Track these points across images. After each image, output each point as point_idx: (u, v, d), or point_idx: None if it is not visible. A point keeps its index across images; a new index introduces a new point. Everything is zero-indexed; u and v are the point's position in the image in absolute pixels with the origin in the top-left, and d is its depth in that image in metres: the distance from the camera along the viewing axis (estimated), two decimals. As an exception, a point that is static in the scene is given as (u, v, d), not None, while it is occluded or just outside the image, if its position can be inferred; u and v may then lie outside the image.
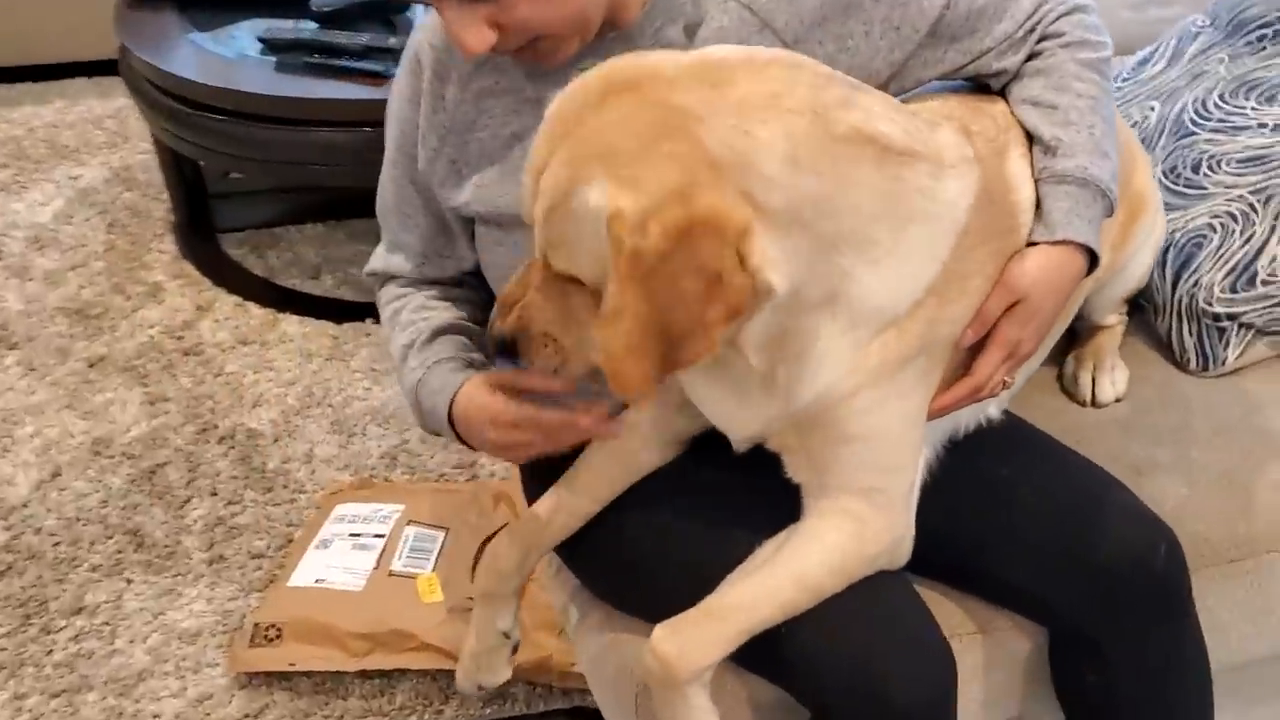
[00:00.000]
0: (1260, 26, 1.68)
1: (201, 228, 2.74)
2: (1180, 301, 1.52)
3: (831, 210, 1.00)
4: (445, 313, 1.32)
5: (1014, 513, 1.20)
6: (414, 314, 1.32)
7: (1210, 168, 1.58)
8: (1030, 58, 1.22)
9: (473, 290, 1.36)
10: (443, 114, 1.24)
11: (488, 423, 1.20)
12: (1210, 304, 1.49)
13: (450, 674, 1.54)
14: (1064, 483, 1.22)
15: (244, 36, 2.47)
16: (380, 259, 1.36)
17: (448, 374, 1.25)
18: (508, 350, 1.07)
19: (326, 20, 2.44)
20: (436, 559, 1.84)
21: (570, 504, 1.24)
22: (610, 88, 0.97)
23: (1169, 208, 1.54)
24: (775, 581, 1.09)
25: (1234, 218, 1.53)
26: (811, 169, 0.98)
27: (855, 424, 1.08)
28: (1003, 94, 1.23)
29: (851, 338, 1.05)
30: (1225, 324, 1.50)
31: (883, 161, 1.03)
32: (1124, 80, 1.80)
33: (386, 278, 1.36)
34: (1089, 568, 1.16)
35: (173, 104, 2.36)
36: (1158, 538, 1.18)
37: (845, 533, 1.10)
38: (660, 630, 1.09)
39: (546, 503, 1.25)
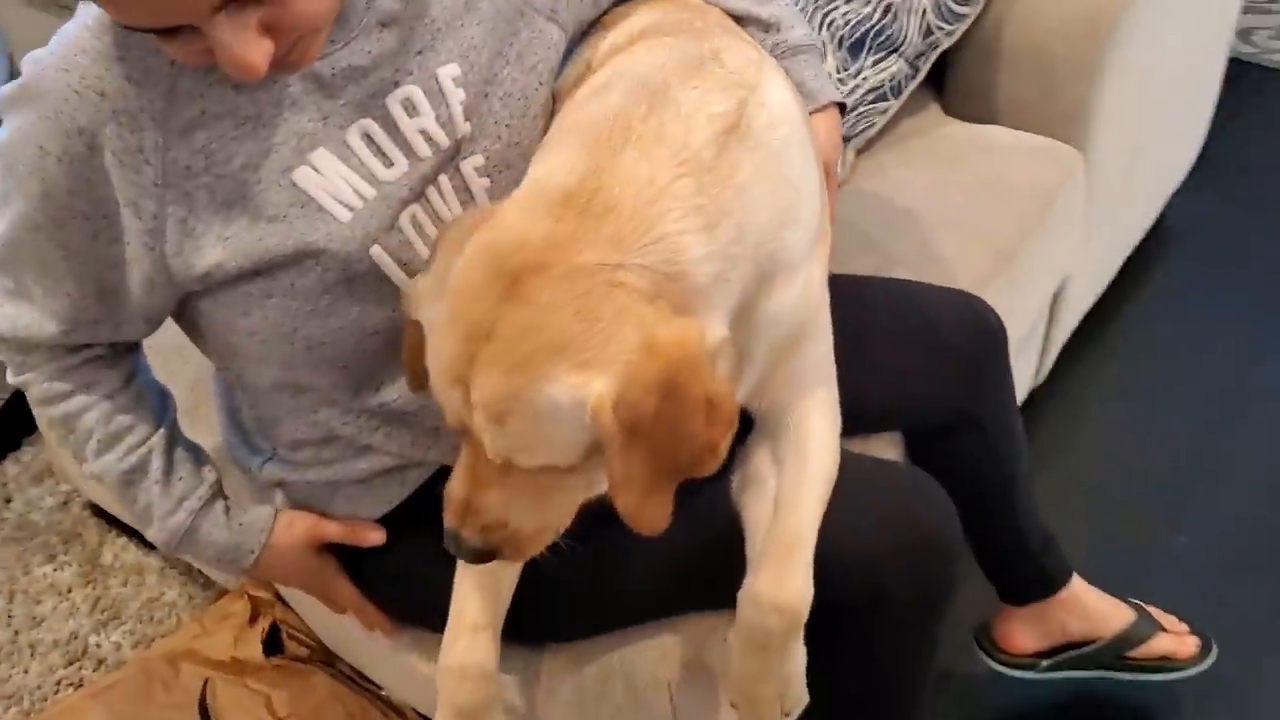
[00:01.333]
0: None
1: None
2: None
3: (748, 227, 0.98)
4: (142, 419, 1.19)
5: (873, 349, 1.32)
6: (113, 425, 1.18)
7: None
8: None
9: (116, 356, 1.20)
10: (149, 170, 1.02)
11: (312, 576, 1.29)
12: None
13: None
14: (896, 305, 1.39)
15: None
16: (4, 319, 1.14)
17: (236, 514, 1.24)
18: (484, 558, 1.00)
19: None
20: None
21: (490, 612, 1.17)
22: (507, 275, 0.89)
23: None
24: (810, 488, 1.11)
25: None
26: (720, 212, 0.95)
27: (810, 330, 1.12)
28: None
29: (797, 285, 1.05)
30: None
31: (745, 143, 0.99)
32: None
33: (22, 347, 1.16)
34: (946, 351, 1.37)
35: None
36: (973, 304, 1.42)
37: (827, 417, 1.14)
38: (762, 583, 1.07)
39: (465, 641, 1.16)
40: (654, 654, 1.22)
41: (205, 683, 1.64)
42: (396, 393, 1.16)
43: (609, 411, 0.87)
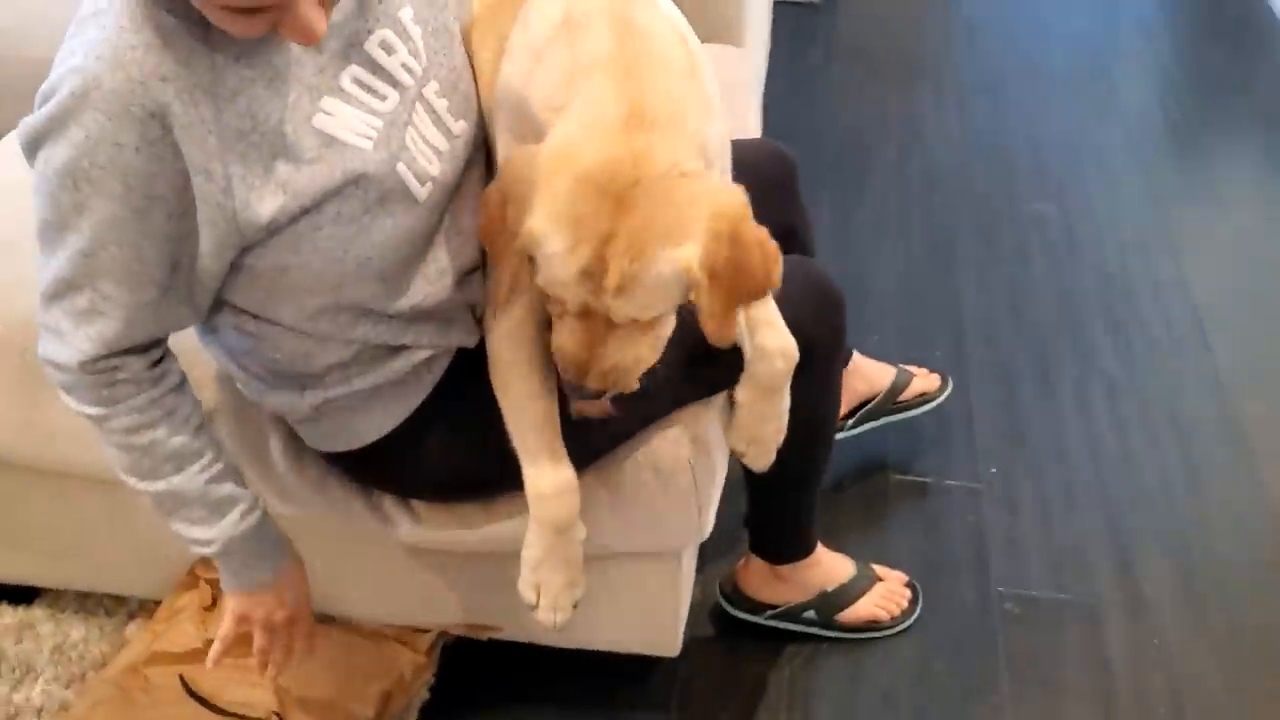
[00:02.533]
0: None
1: None
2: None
3: (717, 112, 1.35)
4: (212, 438, 1.38)
5: None
6: (196, 444, 1.34)
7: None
8: None
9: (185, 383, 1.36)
10: (211, 137, 1.17)
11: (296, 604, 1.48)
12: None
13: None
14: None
15: None
16: (88, 341, 1.24)
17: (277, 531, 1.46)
18: (598, 396, 1.32)
19: None
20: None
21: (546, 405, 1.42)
22: (613, 195, 1.19)
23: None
24: None
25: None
26: (708, 105, 1.32)
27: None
28: None
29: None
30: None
31: (696, 53, 1.36)
32: None
33: (108, 372, 1.26)
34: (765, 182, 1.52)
35: None
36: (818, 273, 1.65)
37: None
38: (764, 338, 1.44)
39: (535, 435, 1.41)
40: (669, 442, 1.52)
41: (180, 677, 1.69)
42: (421, 293, 1.37)
43: (698, 268, 1.21)
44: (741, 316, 1.43)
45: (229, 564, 1.42)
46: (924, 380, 2.17)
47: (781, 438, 1.54)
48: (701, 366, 1.46)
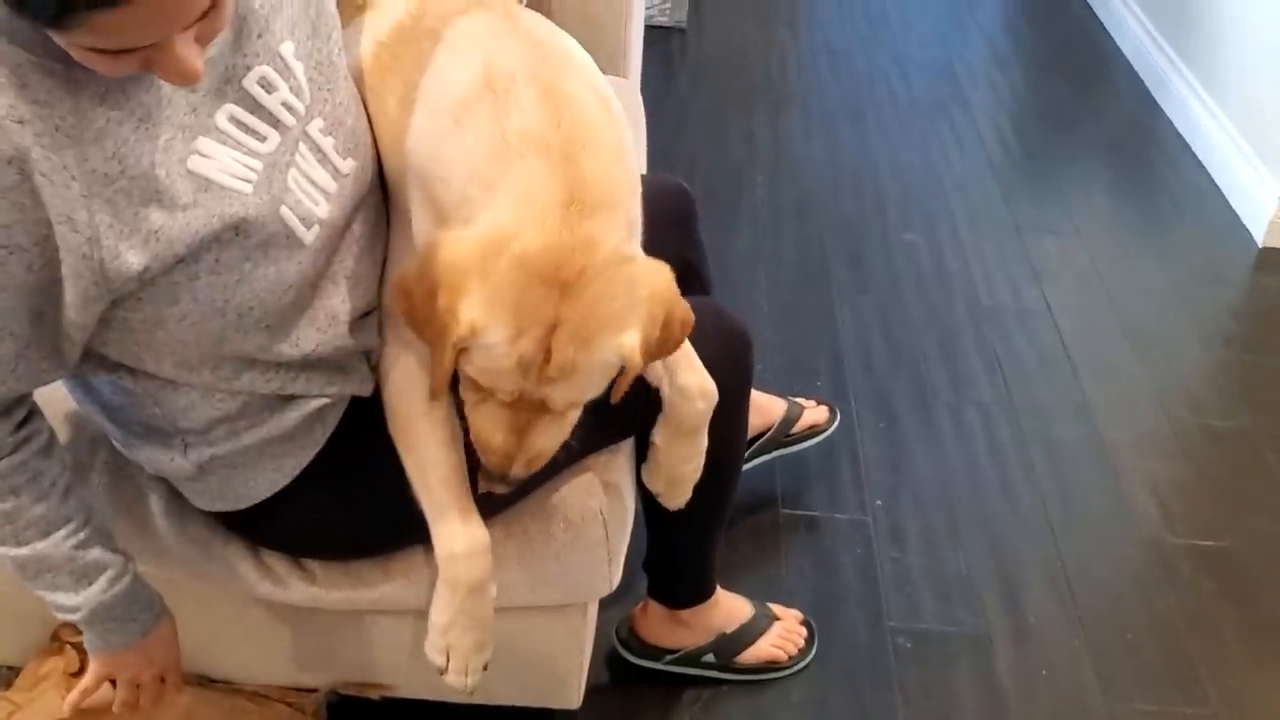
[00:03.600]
0: None
1: None
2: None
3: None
4: (81, 501, 1.30)
5: None
6: (65, 509, 1.27)
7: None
8: None
9: (52, 444, 1.28)
10: (75, 184, 1.07)
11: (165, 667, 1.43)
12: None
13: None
14: None
15: None
16: None
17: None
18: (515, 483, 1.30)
19: None
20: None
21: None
22: (559, 284, 1.16)
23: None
24: None
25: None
26: (634, 181, 1.31)
27: None
28: None
29: None
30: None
31: (618, 118, 1.34)
32: None
33: None
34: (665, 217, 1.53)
35: None
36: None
37: None
38: (685, 379, 1.43)
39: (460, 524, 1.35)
40: (579, 491, 1.47)
41: None
42: (311, 341, 1.30)
43: (638, 353, 1.21)
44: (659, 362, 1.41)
45: (94, 629, 1.34)
46: (814, 412, 2.17)
47: (699, 475, 1.52)
48: (614, 414, 1.42)
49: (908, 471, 2.29)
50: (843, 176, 3.17)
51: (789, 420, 2.13)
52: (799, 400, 2.18)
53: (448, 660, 1.40)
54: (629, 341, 1.20)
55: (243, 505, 1.37)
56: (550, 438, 1.27)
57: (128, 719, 1.47)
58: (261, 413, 1.32)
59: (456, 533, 1.34)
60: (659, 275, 1.24)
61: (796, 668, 1.88)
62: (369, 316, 1.37)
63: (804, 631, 1.91)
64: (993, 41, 4.01)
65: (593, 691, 1.78)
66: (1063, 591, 2.06)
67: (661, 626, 1.83)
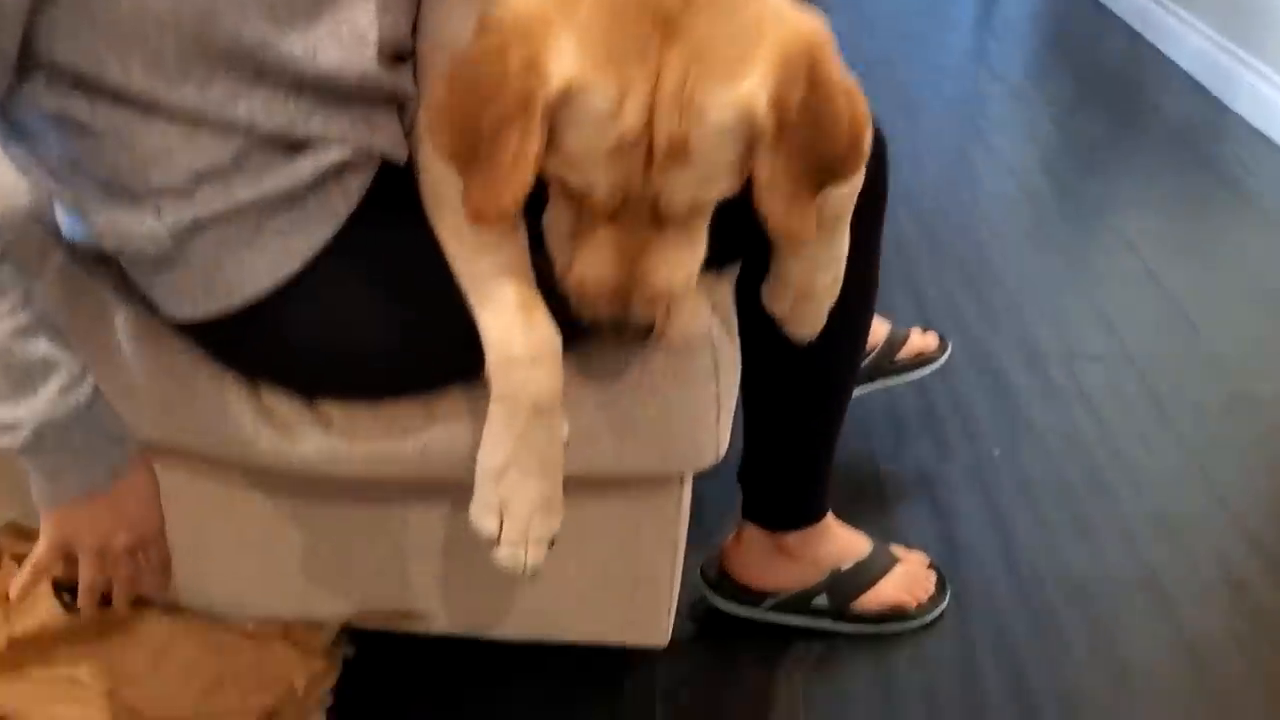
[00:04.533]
0: None
1: None
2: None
3: None
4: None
5: None
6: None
7: None
8: None
9: None
10: None
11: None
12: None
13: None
14: None
15: None
16: None
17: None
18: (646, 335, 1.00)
19: None
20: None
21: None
22: (660, 21, 0.87)
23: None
24: None
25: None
26: None
27: None
28: None
29: None
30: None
31: None
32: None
33: None
34: None
35: None
36: None
37: None
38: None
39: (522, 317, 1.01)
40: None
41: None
42: (333, 57, 0.99)
43: (764, 110, 0.89)
44: None
45: (43, 463, 1.00)
46: (921, 339, 1.82)
47: (836, 292, 1.18)
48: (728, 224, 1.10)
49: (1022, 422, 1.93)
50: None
51: (894, 342, 1.77)
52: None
53: (500, 524, 1.03)
54: (748, 91, 0.89)
55: (235, 302, 1.02)
56: (674, 264, 0.97)
57: (92, 621, 1.11)
58: (265, 164, 0.99)
59: (514, 327, 1.00)
60: (802, 18, 0.92)
61: (927, 618, 1.50)
62: (407, 62, 1.06)
63: (933, 576, 1.54)
64: (1010, 77, 3.77)
65: (675, 647, 1.40)
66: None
67: (761, 561, 1.45)
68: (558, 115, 0.88)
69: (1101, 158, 3.01)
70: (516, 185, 0.90)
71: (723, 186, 0.94)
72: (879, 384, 1.77)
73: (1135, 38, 3.93)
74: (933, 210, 2.61)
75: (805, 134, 0.92)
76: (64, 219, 1.07)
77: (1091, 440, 1.89)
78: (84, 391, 0.99)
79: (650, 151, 0.89)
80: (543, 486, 1.03)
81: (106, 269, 1.08)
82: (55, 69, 0.92)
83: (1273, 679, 1.44)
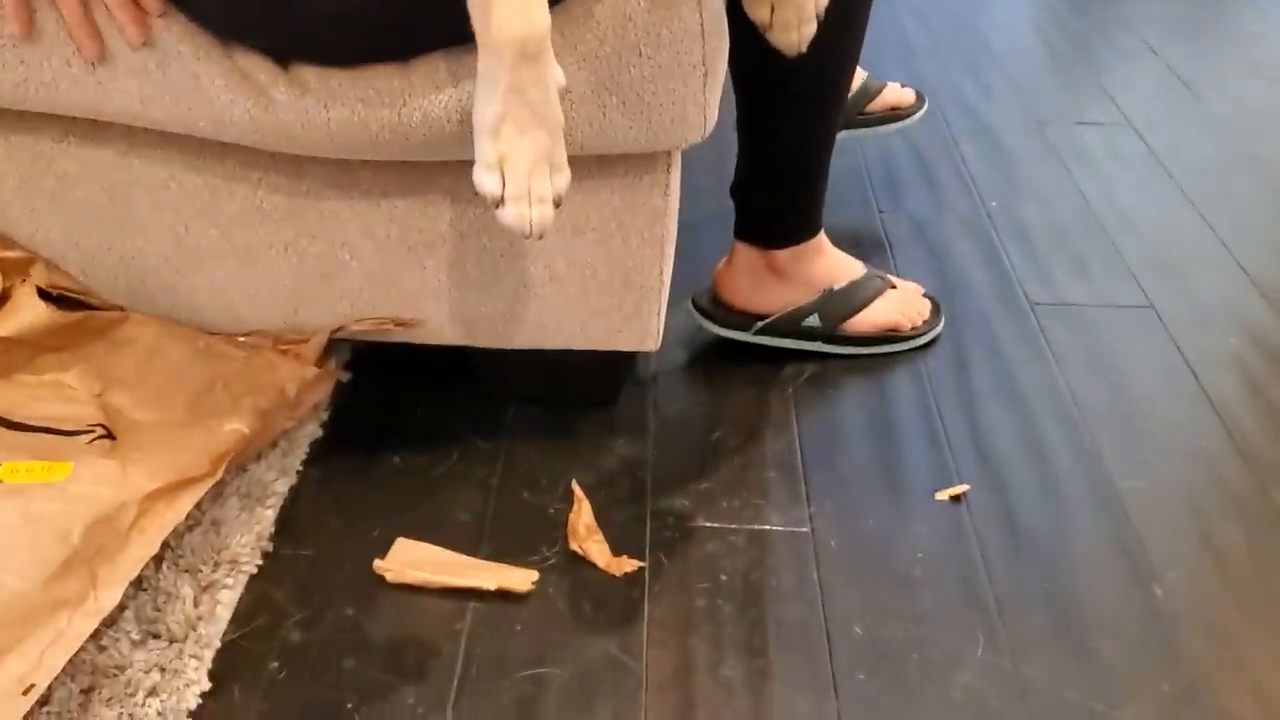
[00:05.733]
0: None
1: None
2: None
3: None
4: None
5: None
6: None
7: None
8: None
9: None
10: None
11: None
12: None
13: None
14: None
15: None
16: None
17: None
18: None
19: None
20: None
21: None
22: None
23: None
24: None
25: None
26: None
27: None
28: None
29: None
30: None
31: None
32: None
33: None
34: None
35: None
36: None
37: None
38: None
39: None
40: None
41: None
42: None
43: None
44: None
45: None
46: (897, 92, 1.78)
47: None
48: None
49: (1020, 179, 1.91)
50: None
51: (869, 90, 1.74)
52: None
53: (503, 180, 1.01)
54: None
55: None
56: None
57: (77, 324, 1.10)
58: None
59: None
60: None
61: (922, 339, 1.49)
62: None
63: (928, 303, 1.53)
64: None
65: (664, 372, 1.39)
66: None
67: (752, 282, 1.44)
68: None
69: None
70: None
71: None
72: (847, 133, 1.74)
73: None
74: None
75: None
76: None
77: (1091, 194, 1.86)
78: None
79: None
80: (540, 139, 1.00)
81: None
82: None
83: (1275, 406, 1.43)
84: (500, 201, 1.00)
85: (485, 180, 1.00)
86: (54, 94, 1.12)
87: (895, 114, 1.78)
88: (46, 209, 1.23)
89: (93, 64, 1.08)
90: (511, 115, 0.98)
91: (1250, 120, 2.10)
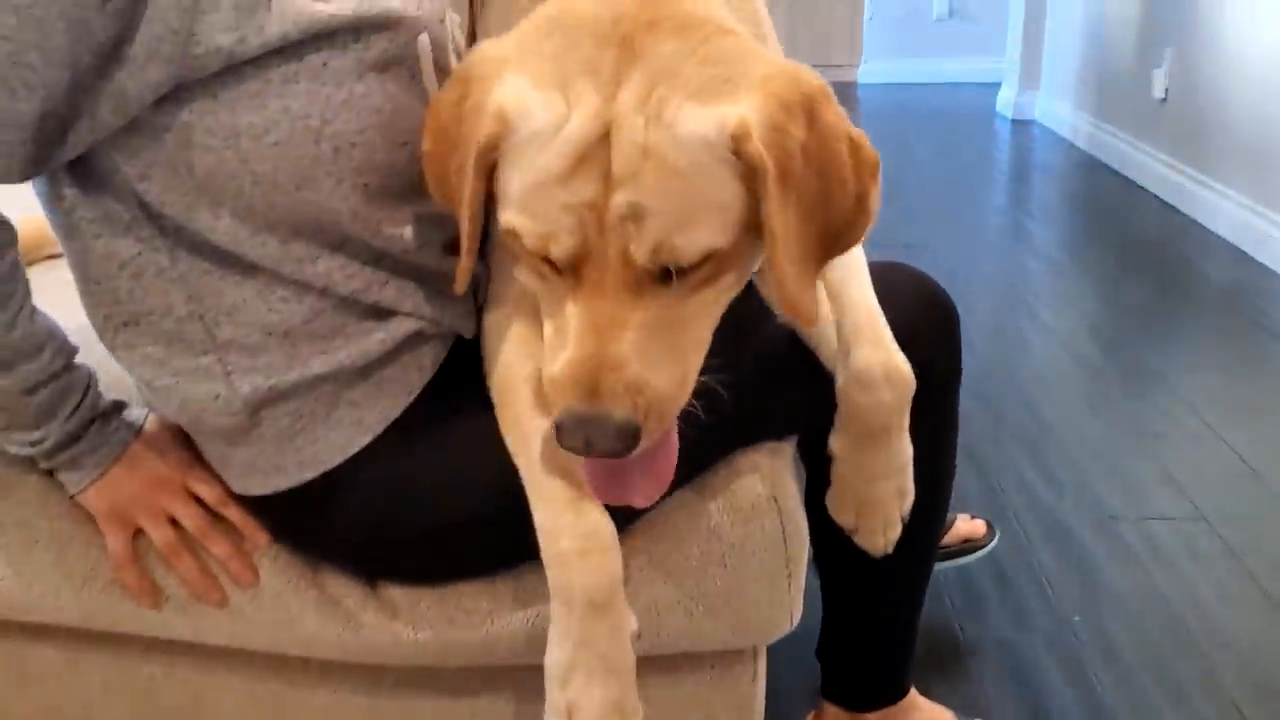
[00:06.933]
0: None
1: None
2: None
3: None
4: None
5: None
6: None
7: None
8: None
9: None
10: None
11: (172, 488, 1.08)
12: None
13: None
14: None
15: None
16: None
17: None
18: (628, 439, 0.84)
19: None
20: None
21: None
22: (617, 40, 0.84)
23: None
24: (859, 273, 1.11)
25: None
26: None
27: None
28: None
29: None
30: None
31: None
32: None
33: None
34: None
35: None
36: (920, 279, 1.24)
37: None
38: (865, 358, 1.06)
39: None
40: (740, 476, 1.12)
41: None
42: (416, 235, 1.02)
43: (757, 133, 0.82)
44: (829, 315, 1.07)
45: (62, 461, 1.04)
46: (968, 525, 1.79)
47: (908, 502, 1.14)
48: (768, 390, 1.11)
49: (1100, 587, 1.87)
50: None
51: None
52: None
53: None
54: (735, 112, 0.81)
55: (306, 475, 1.04)
56: (640, 353, 0.83)
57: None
58: (338, 329, 1.01)
59: (563, 518, 0.97)
60: (796, 66, 0.88)
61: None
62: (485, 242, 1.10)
63: None
64: (1049, 252, 3.80)
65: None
66: None
67: None
68: (504, 152, 0.85)
69: (1149, 324, 3.02)
70: (469, 236, 0.89)
71: (707, 233, 0.83)
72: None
73: (1169, 210, 3.99)
74: (988, 386, 2.60)
75: (813, 184, 0.84)
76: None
77: (1175, 602, 1.82)
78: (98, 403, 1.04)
79: (608, 189, 0.81)
80: (610, 688, 0.98)
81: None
82: (145, 210, 0.96)
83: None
84: None
85: None
86: (147, 625, 1.14)
87: (969, 546, 1.78)
88: (130, 709, 1.24)
89: (219, 607, 1.11)
90: (582, 664, 0.98)
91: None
